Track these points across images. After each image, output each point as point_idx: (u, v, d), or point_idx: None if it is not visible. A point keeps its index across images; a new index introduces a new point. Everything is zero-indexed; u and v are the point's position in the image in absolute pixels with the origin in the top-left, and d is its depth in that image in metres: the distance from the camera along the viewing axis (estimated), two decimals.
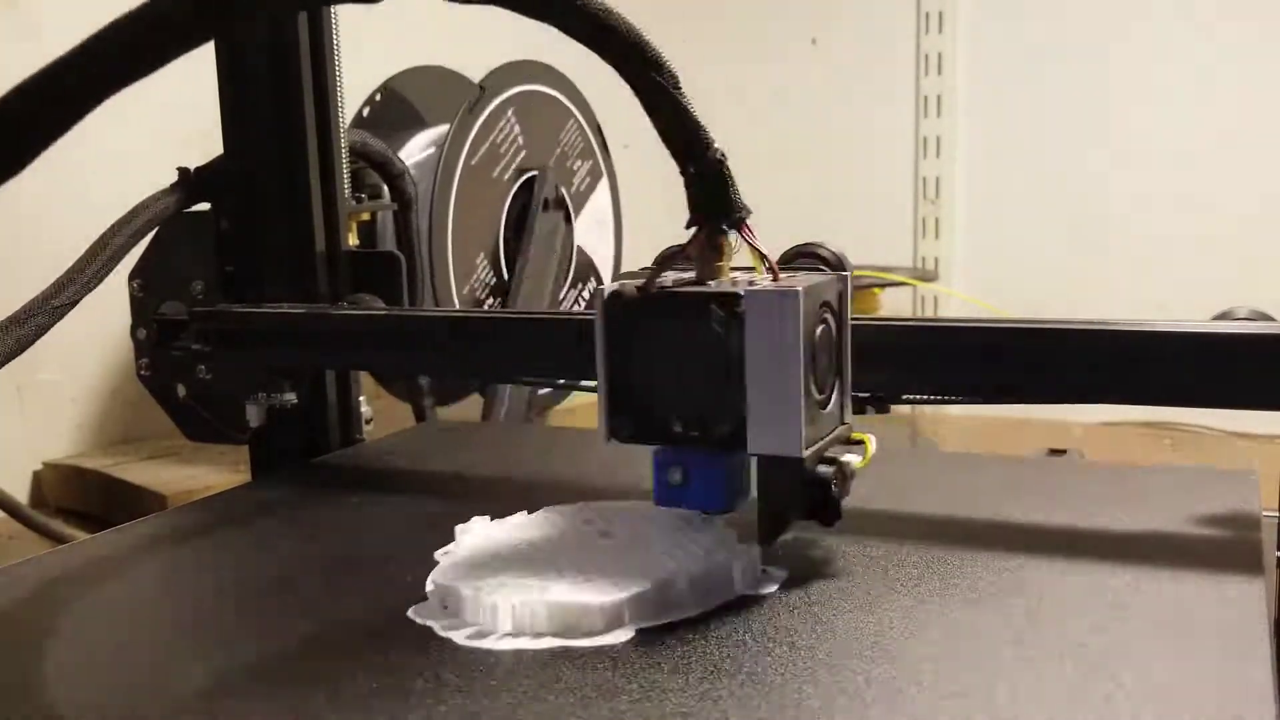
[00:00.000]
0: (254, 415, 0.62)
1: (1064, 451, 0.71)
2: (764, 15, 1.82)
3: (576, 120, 1.29)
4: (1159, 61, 1.56)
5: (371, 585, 0.42)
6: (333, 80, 0.63)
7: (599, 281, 1.33)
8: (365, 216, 0.98)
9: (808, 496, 0.39)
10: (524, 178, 1.19)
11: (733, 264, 0.40)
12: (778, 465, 0.39)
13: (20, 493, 1.02)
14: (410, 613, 0.38)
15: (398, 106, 1.16)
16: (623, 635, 0.35)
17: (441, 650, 0.35)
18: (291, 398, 0.62)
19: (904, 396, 0.51)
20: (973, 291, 1.70)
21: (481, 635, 0.36)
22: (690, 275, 0.40)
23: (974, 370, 0.47)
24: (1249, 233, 1.52)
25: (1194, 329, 0.44)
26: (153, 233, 0.61)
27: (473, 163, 1.11)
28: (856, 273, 1.64)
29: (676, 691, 0.32)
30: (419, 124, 1.16)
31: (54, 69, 0.28)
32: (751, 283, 0.39)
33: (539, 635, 0.35)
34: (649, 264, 0.43)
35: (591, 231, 1.30)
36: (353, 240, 0.68)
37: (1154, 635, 0.34)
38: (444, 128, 1.11)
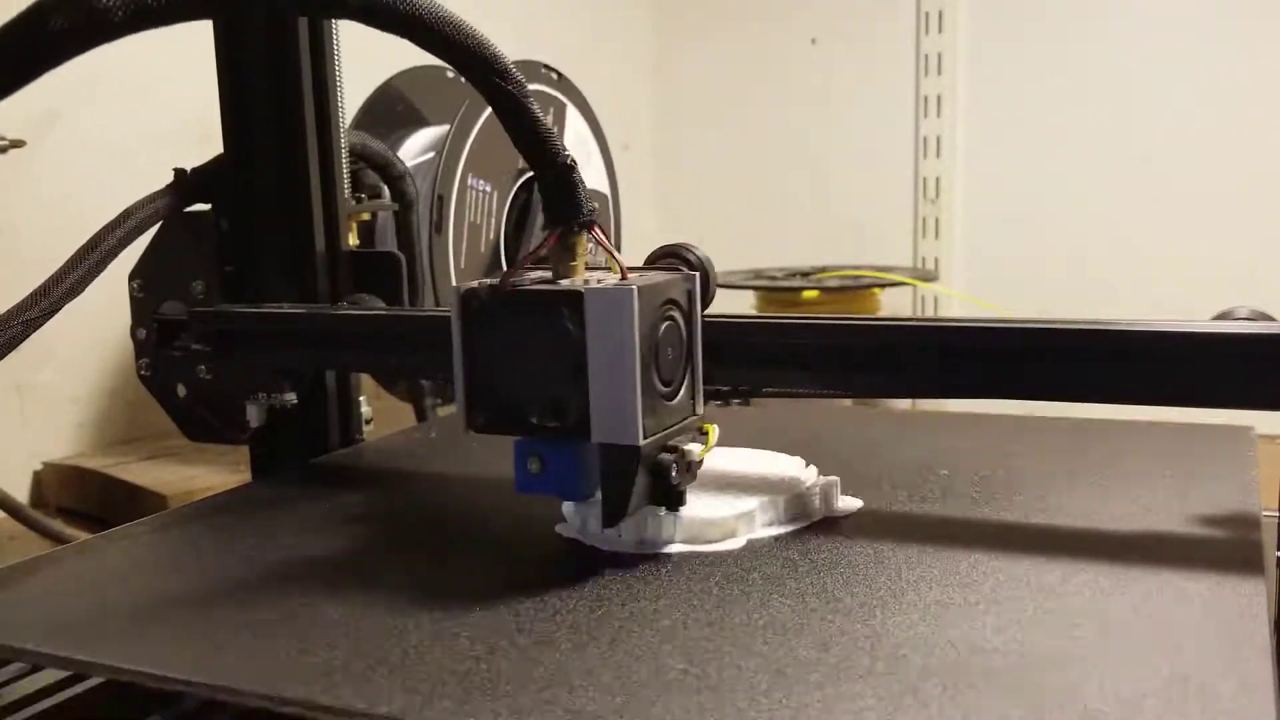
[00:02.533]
0: (254, 415, 0.62)
1: None
2: (764, 15, 1.82)
3: (578, 120, 1.29)
4: (1159, 61, 1.56)
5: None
6: (333, 80, 0.63)
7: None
8: (365, 216, 0.98)
9: (650, 482, 0.43)
10: (524, 178, 1.19)
11: (591, 264, 0.44)
12: (618, 453, 0.41)
13: (20, 493, 1.02)
14: (558, 528, 0.46)
15: (398, 106, 1.16)
16: (736, 544, 0.44)
17: (593, 556, 0.44)
18: (291, 398, 0.62)
19: (765, 390, 0.54)
20: (973, 291, 1.70)
21: (619, 544, 0.44)
22: (547, 274, 0.43)
23: (974, 370, 0.47)
24: (1249, 233, 1.53)
25: (1194, 329, 0.44)
26: (153, 233, 0.61)
27: (487, 132, 1.11)
28: (856, 273, 1.64)
29: (790, 578, 0.40)
30: (419, 124, 1.16)
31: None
32: (600, 281, 0.42)
33: (668, 544, 0.44)
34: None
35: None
36: (353, 240, 0.68)
37: (1154, 635, 0.34)
38: (444, 127, 1.12)
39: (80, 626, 0.39)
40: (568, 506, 0.47)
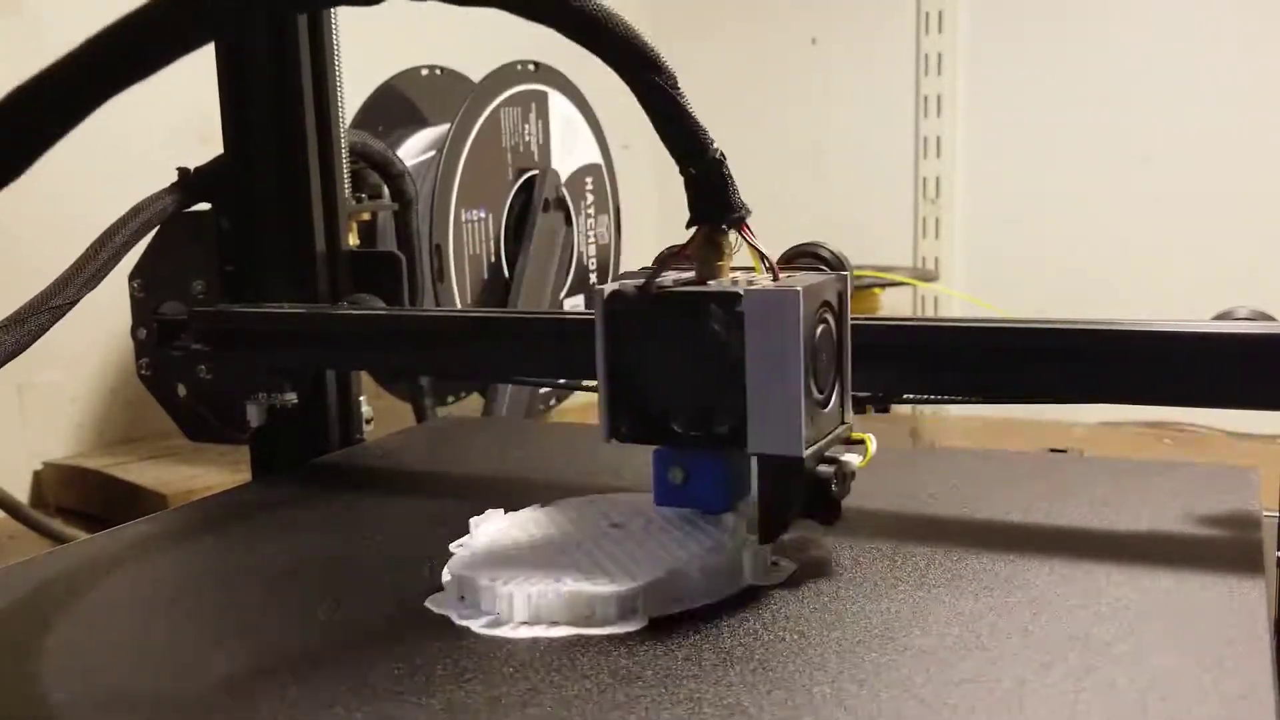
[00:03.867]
0: (254, 415, 0.62)
1: (1064, 451, 0.71)
2: (764, 15, 1.82)
3: (609, 215, 1.30)
4: (1159, 61, 1.56)
5: (386, 577, 0.43)
6: (333, 80, 0.63)
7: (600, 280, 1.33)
8: (365, 216, 0.98)
9: (808, 496, 0.39)
10: (524, 177, 1.19)
11: (733, 264, 0.41)
12: (778, 465, 0.39)
13: (20, 493, 1.02)
14: (428, 603, 0.39)
15: (398, 106, 1.16)
16: (636, 624, 0.36)
17: (460, 638, 0.36)
18: (291, 398, 0.62)
19: (904, 396, 0.51)
20: (973, 291, 1.70)
21: (498, 624, 0.37)
22: (690, 275, 0.40)
23: (974, 370, 0.47)
24: (1249, 233, 1.53)
25: (1194, 329, 0.44)
26: (153, 232, 0.61)
27: (480, 146, 1.11)
28: (856, 273, 1.65)
29: (691, 678, 0.33)
30: (419, 123, 1.16)
31: (54, 71, 0.28)
32: (751, 282, 0.39)
33: (554, 624, 0.36)
34: (647, 264, 0.43)
35: (590, 220, 1.30)
36: (353, 240, 0.68)
37: (1154, 635, 0.34)
38: (444, 127, 1.12)
39: (32, 644, 0.38)
40: (447, 574, 0.40)
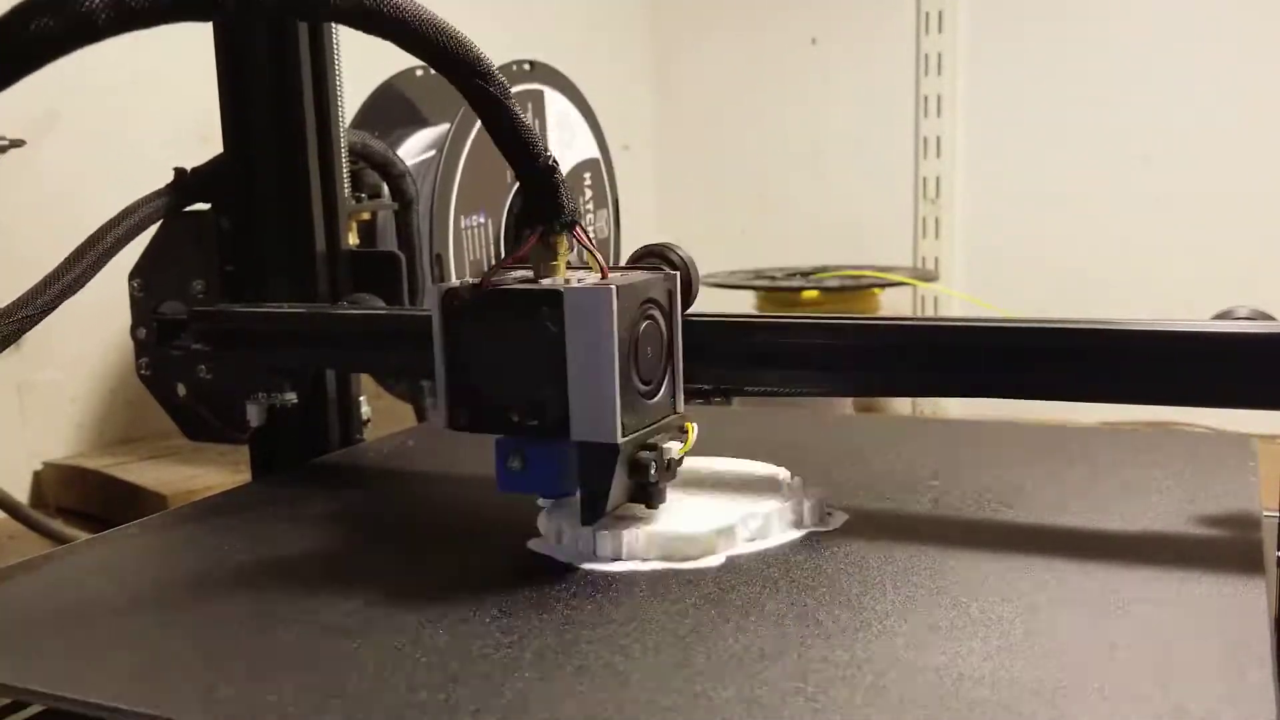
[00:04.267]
0: (254, 415, 0.62)
1: None
2: (764, 15, 1.82)
3: (607, 210, 1.30)
4: (1159, 61, 1.56)
5: (481, 531, 0.47)
6: (333, 80, 0.63)
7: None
8: (365, 216, 0.98)
9: (630, 480, 0.43)
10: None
11: (572, 264, 0.44)
12: (597, 451, 0.42)
13: (20, 493, 1.02)
14: (530, 544, 0.45)
15: (398, 106, 1.16)
16: (715, 561, 0.42)
17: (564, 570, 0.42)
18: (291, 398, 0.62)
19: (745, 389, 0.54)
20: (973, 291, 1.70)
21: (596, 560, 0.42)
22: (528, 274, 0.43)
23: (974, 369, 0.47)
24: (1249, 233, 1.52)
25: (1194, 329, 0.44)
26: (153, 233, 0.61)
27: (477, 152, 1.11)
28: (856, 273, 1.64)
29: (770, 599, 0.39)
30: (419, 123, 1.16)
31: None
32: (581, 281, 0.42)
33: (646, 560, 0.42)
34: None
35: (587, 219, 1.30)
36: (353, 240, 0.68)
37: (1154, 635, 0.34)
38: (444, 127, 1.11)
39: (31, 644, 0.38)
40: (542, 520, 0.46)
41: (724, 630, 0.36)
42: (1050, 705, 0.30)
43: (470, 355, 0.43)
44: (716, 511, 0.44)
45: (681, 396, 0.45)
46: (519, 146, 0.42)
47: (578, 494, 0.44)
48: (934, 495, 0.50)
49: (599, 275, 0.43)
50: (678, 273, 0.45)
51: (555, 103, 1.23)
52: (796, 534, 0.45)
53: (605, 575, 0.41)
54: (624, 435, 0.41)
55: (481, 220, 1.12)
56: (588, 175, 1.29)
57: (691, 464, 0.49)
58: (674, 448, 0.43)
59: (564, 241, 0.43)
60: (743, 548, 0.43)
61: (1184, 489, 0.50)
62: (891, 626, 0.36)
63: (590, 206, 1.29)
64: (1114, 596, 0.38)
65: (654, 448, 0.43)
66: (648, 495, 0.44)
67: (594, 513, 0.43)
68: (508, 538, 0.46)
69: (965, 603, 0.37)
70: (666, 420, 0.44)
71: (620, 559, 0.42)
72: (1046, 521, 0.46)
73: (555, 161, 0.42)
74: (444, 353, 0.43)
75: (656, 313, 0.43)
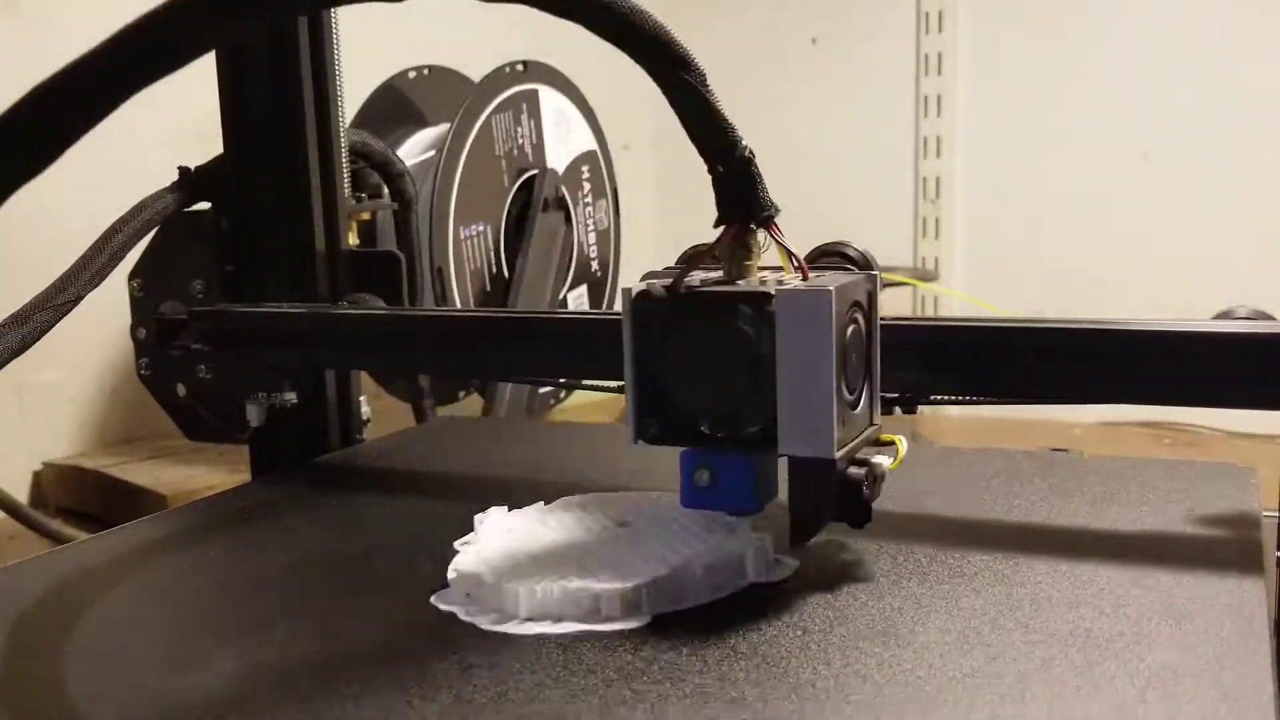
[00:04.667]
0: (254, 415, 0.62)
1: (1064, 451, 0.71)
2: (764, 15, 1.82)
3: (606, 200, 1.30)
4: (1159, 61, 1.56)
5: (391, 575, 0.43)
6: (333, 80, 0.63)
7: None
8: (365, 216, 0.98)
9: (839, 498, 0.39)
10: (524, 177, 1.19)
11: (760, 263, 0.40)
12: (809, 467, 0.38)
13: (20, 493, 1.02)
14: (433, 599, 0.39)
15: (398, 106, 1.16)
16: (640, 621, 0.37)
17: (466, 634, 0.37)
18: (291, 398, 0.62)
19: (931, 398, 0.51)
20: (973, 291, 1.70)
21: (504, 620, 0.37)
22: (718, 274, 0.40)
23: (974, 370, 0.47)
24: (1249, 233, 1.52)
25: (1194, 329, 0.44)
26: (153, 232, 0.61)
27: (473, 162, 1.11)
28: None
29: (696, 673, 0.33)
30: (419, 123, 1.16)
31: (70, 73, 0.28)
32: (781, 282, 0.38)
33: (560, 620, 0.37)
34: (653, 258, 0.43)
35: (589, 220, 1.30)
36: (353, 240, 0.68)
37: (1154, 634, 0.34)
38: (444, 127, 1.12)
39: (30, 644, 0.38)
40: (452, 571, 0.40)
41: (635, 716, 0.31)
42: (1058, 679, 0.30)
43: (662, 362, 0.39)
44: (646, 562, 0.39)
45: (879, 406, 0.41)
46: (714, 134, 0.39)
47: (756, 511, 0.40)
48: (892, 533, 0.44)
49: (797, 276, 0.39)
50: (878, 273, 0.42)
51: (551, 100, 1.23)
52: (737, 586, 0.39)
53: (510, 643, 0.36)
54: (838, 449, 0.37)
55: (481, 229, 1.12)
56: (585, 168, 1.28)
57: (630, 500, 0.46)
58: (884, 462, 0.40)
59: (758, 239, 0.39)
60: (674, 604, 0.38)
61: (1184, 489, 0.50)
62: (831, 710, 0.31)
63: (589, 199, 1.29)
64: (1112, 596, 0.37)
65: (864, 462, 0.39)
66: (857, 513, 0.39)
67: (807, 532, 0.39)
68: (418, 587, 0.40)
69: (920, 680, 0.32)
70: (868, 432, 0.40)
71: (533, 619, 0.37)
72: (1041, 521, 0.46)
73: (752, 153, 0.39)
74: (633, 360, 0.40)
75: (860, 316, 0.40)
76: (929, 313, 1.74)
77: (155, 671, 0.35)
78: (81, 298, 0.52)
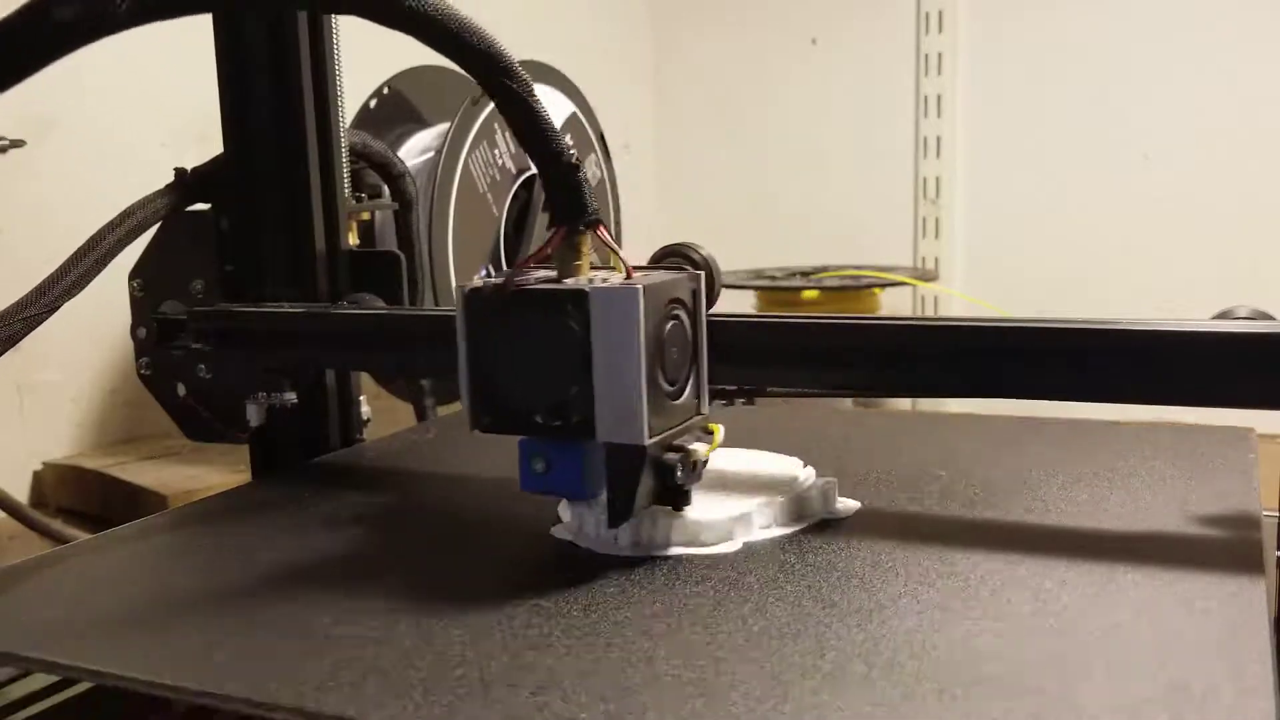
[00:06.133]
0: (254, 415, 0.62)
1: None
2: (764, 15, 1.82)
3: (596, 154, 1.29)
4: (1159, 61, 1.56)
5: (500, 522, 0.48)
6: (333, 80, 0.63)
7: None
8: (365, 216, 0.98)
9: (655, 482, 0.43)
10: (524, 177, 1.19)
11: (602, 263, 0.43)
12: (624, 452, 0.41)
13: (20, 493, 1.02)
14: (553, 530, 0.46)
15: (398, 106, 1.16)
16: (732, 547, 0.44)
17: (589, 557, 0.43)
18: (291, 398, 0.62)
19: (768, 390, 0.53)
20: (973, 291, 1.70)
21: (617, 547, 0.43)
22: (551, 274, 0.43)
23: (974, 370, 0.47)
24: (1249, 233, 1.53)
25: (1194, 329, 0.44)
26: (153, 233, 0.61)
27: (472, 161, 1.11)
28: (856, 273, 1.64)
29: (788, 581, 0.40)
30: (419, 123, 1.16)
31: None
32: (605, 280, 0.41)
33: (665, 545, 0.43)
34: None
35: None
36: (353, 240, 0.68)
37: (1154, 634, 0.34)
38: (444, 126, 1.12)
39: (72, 630, 0.39)
40: (564, 508, 0.46)
41: (743, 610, 0.37)
42: (1059, 677, 0.31)
43: (493, 355, 0.42)
44: (733, 500, 0.45)
45: (706, 397, 0.45)
46: (542, 143, 0.42)
47: (601, 495, 0.43)
48: (940, 486, 0.51)
49: (623, 275, 0.42)
50: (702, 272, 0.45)
51: None
52: (810, 521, 0.46)
53: (627, 560, 0.42)
54: (651, 436, 0.40)
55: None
56: (568, 135, 1.28)
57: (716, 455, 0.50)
58: (700, 449, 0.43)
59: (588, 241, 0.43)
60: (759, 534, 0.44)
61: (1183, 489, 0.50)
62: (904, 608, 0.37)
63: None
64: (1112, 597, 0.37)
65: (680, 449, 0.43)
66: (674, 497, 0.44)
67: (620, 515, 0.43)
68: (530, 527, 0.47)
69: (974, 586, 0.39)
70: (692, 421, 0.44)
71: (640, 546, 0.43)
72: (1050, 523, 0.46)
73: (578, 160, 0.42)
74: (467, 353, 0.43)
75: (681, 312, 0.43)
76: (929, 313, 1.74)
77: (160, 666, 0.36)
78: (57, 308, 0.52)
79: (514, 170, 1.18)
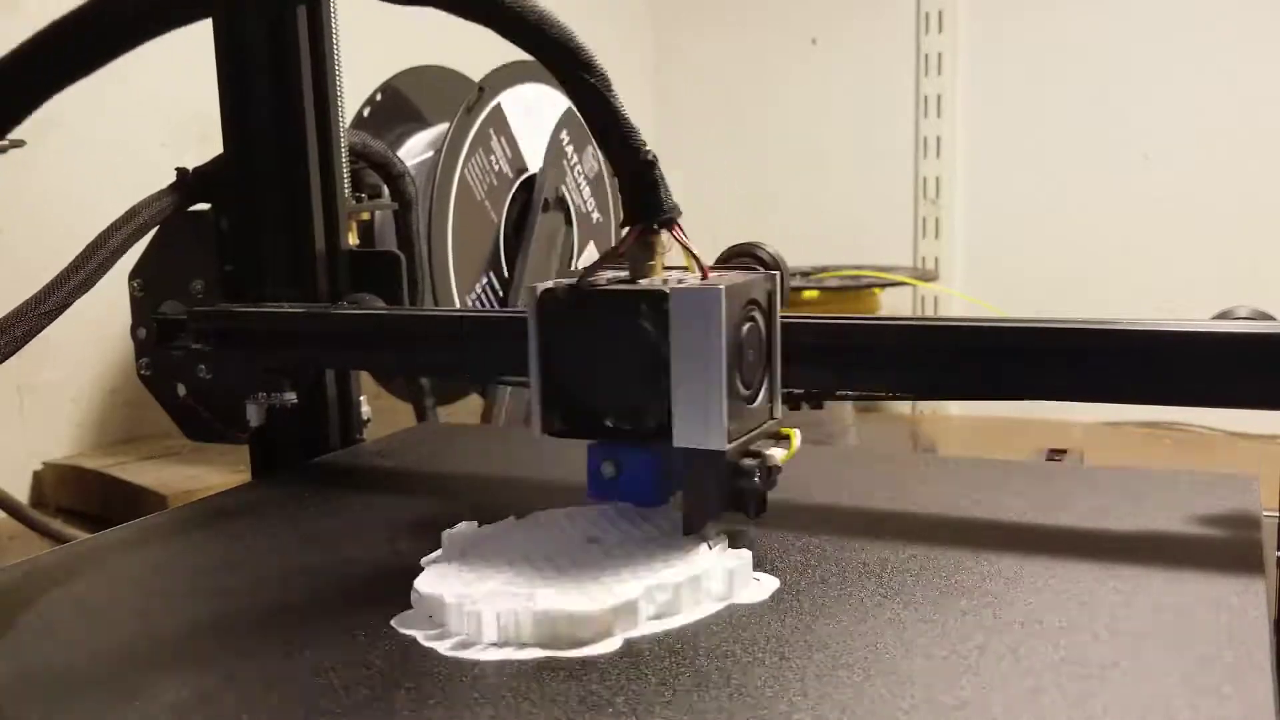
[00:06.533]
0: (254, 415, 0.62)
1: (1064, 451, 0.71)
2: (764, 15, 1.82)
3: (593, 145, 1.29)
4: (1159, 61, 1.56)
5: (359, 593, 0.41)
6: (333, 80, 0.63)
7: None
8: (365, 216, 0.98)
9: (732, 489, 0.41)
10: (524, 177, 1.19)
11: (670, 263, 0.42)
12: (702, 458, 0.40)
13: (20, 493, 1.02)
14: (394, 622, 0.37)
15: (398, 106, 1.16)
16: (610, 645, 0.35)
17: (425, 661, 0.35)
18: (291, 398, 0.62)
19: (838, 393, 0.52)
20: (973, 291, 1.70)
21: (466, 645, 0.35)
22: (624, 274, 0.41)
23: (974, 370, 0.47)
24: (1249, 233, 1.53)
25: (1194, 329, 0.44)
26: (153, 232, 0.61)
27: (472, 161, 1.11)
28: (856, 273, 1.64)
29: (663, 705, 0.31)
30: (419, 123, 1.16)
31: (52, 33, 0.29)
32: (681, 281, 0.40)
33: (524, 645, 0.35)
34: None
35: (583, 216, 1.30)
36: (353, 240, 0.68)
37: (1154, 636, 0.34)
38: (444, 126, 1.12)
39: (28, 646, 0.38)
40: (415, 593, 0.38)
41: None
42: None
43: (566, 358, 0.41)
44: (620, 581, 0.37)
45: (780, 401, 0.43)
46: (618, 139, 0.40)
47: (669, 503, 0.42)
48: (882, 543, 0.44)
49: (699, 275, 0.41)
50: (777, 273, 0.43)
51: (514, 101, 1.20)
52: (714, 607, 0.38)
53: (473, 668, 0.34)
54: (730, 441, 0.39)
55: (484, 283, 1.12)
56: (565, 132, 1.27)
57: (601, 513, 0.44)
58: (777, 454, 0.41)
59: (662, 240, 0.41)
60: (646, 627, 0.36)
61: (1184, 489, 0.50)
62: None
63: (574, 156, 1.28)
64: (1112, 597, 0.37)
65: (757, 454, 0.41)
66: (748, 503, 0.42)
67: (697, 522, 0.41)
68: (381, 608, 0.39)
69: (903, 715, 0.30)
70: (766, 426, 0.42)
71: (495, 644, 0.35)
72: (1041, 522, 0.46)
73: (655, 156, 0.40)
74: (538, 355, 0.41)
75: (758, 314, 0.42)
76: (929, 313, 1.74)
77: (106, 679, 0.35)
78: (69, 304, 0.52)
79: (511, 174, 1.18)
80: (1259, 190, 1.52)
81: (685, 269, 0.42)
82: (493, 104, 1.18)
